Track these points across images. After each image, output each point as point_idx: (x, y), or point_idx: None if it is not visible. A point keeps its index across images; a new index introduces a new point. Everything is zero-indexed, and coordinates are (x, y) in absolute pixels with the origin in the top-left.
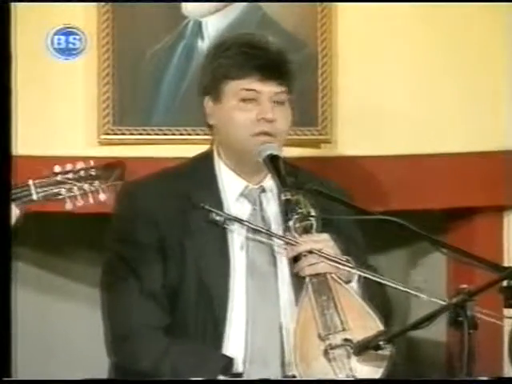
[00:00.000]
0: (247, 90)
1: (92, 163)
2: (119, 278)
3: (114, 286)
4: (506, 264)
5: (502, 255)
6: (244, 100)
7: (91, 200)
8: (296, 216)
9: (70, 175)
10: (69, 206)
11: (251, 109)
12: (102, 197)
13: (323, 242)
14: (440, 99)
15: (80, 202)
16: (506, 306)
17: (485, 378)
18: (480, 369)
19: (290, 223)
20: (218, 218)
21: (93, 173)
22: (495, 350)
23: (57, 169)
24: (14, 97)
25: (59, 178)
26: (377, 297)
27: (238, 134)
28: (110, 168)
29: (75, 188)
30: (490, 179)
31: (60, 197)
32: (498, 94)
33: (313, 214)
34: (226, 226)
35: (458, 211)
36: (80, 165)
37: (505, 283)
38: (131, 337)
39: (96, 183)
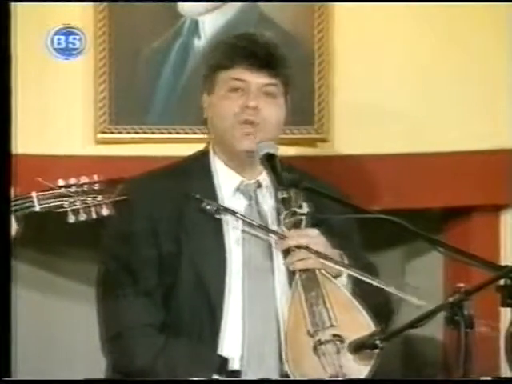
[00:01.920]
0: (235, 79)
1: (96, 178)
2: (113, 276)
3: (108, 285)
4: (502, 263)
5: (499, 254)
6: (232, 90)
7: (94, 214)
8: (286, 212)
9: (73, 189)
10: (71, 219)
11: (238, 98)
12: (105, 211)
13: (312, 237)
14: (437, 97)
15: (82, 216)
16: (503, 305)
17: (484, 378)
18: (477, 368)
19: (280, 218)
20: (208, 207)
21: (96, 187)
22: (492, 349)
23: (60, 182)
24: (13, 96)
25: (62, 191)
26: (372, 295)
27: (224, 122)
28: (113, 183)
29: (78, 202)
30: (486, 178)
31: (62, 210)
32: (496, 93)
33: (304, 210)
34: (218, 215)
35: (454, 210)
36: (84, 179)
37: (502, 282)
38: (125, 335)
39: (99, 198)
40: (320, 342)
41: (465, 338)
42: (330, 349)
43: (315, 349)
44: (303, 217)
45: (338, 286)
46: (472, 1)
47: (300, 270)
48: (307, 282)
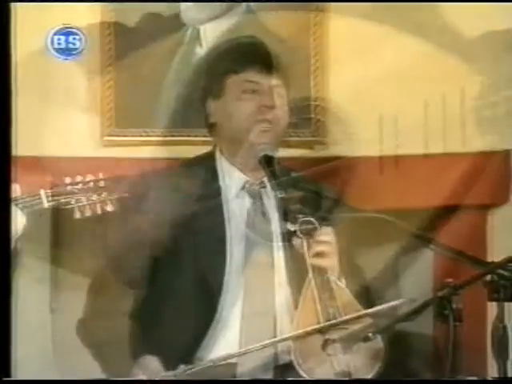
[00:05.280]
0: (249, 81)
1: (101, 175)
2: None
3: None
4: (489, 259)
5: (486, 251)
6: (245, 91)
7: (99, 210)
8: (301, 220)
9: (80, 186)
10: (77, 215)
11: (252, 98)
12: (110, 208)
13: (327, 243)
14: (429, 101)
15: (88, 212)
16: (490, 300)
17: (483, 378)
18: (464, 363)
19: (295, 227)
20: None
21: (101, 185)
22: (479, 344)
23: (67, 180)
24: (14, 98)
25: (69, 188)
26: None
27: (240, 123)
28: (117, 181)
29: (84, 198)
30: (473, 179)
31: (69, 206)
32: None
33: (314, 219)
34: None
35: (444, 209)
36: (89, 177)
37: (488, 278)
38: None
39: (104, 194)
40: (330, 341)
41: (453, 331)
42: (338, 348)
43: (324, 346)
44: (317, 224)
45: (347, 292)
46: (472, 1)
47: (314, 272)
48: (321, 283)
